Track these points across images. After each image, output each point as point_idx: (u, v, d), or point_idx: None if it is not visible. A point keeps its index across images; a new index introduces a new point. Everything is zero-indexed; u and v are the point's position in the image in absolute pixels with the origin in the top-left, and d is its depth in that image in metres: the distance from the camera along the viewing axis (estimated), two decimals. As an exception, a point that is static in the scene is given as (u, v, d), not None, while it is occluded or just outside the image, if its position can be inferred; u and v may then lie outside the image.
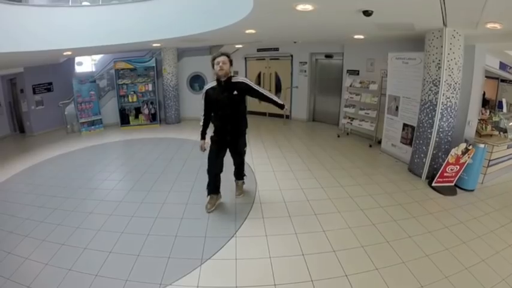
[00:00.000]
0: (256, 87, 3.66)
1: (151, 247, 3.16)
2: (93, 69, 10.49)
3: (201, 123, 3.77)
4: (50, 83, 9.09)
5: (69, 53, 7.56)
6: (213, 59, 3.47)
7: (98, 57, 10.41)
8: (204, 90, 3.62)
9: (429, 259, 2.92)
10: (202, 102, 3.64)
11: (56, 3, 6.28)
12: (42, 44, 5.56)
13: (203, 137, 3.84)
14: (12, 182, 5.19)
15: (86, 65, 10.51)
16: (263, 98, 3.73)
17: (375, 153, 6.41)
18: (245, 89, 3.58)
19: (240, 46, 9.40)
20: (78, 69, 10.26)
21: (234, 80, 3.53)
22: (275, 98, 3.82)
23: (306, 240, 3.24)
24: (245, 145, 3.94)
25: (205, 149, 3.82)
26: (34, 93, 8.68)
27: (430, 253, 3.01)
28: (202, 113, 3.71)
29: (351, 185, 4.70)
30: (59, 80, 9.22)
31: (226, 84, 3.47)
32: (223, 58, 3.42)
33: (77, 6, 6.43)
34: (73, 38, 6.01)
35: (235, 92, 3.48)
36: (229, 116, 3.58)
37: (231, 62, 3.51)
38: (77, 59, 10.12)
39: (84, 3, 6.78)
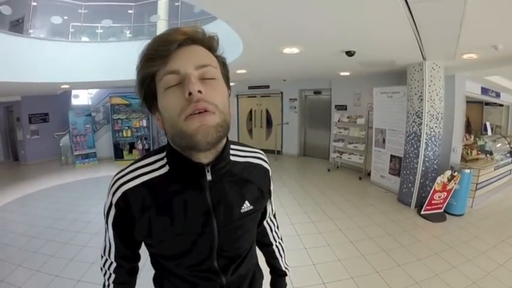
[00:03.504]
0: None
1: (145, 281, 3.08)
2: (89, 103, 10.68)
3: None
4: (46, 114, 9.26)
5: (66, 86, 7.76)
6: (151, 58, 0.75)
7: (94, 90, 10.64)
8: (111, 197, 0.87)
9: (419, 286, 2.90)
10: (109, 232, 0.92)
11: (56, 38, 6.53)
12: (39, 76, 5.67)
13: None
14: (6, 211, 5.17)
15: (82, 97, 10.71)
16: (264, 228, 1.23)
17: (364, 186, 6.46)
18: (265, 191, 1.03)
19: (232, 84, 9.72)
20: (75, 101, 10.46)
21: (237, 156, 0.96)
22: (283, 248, 1.30)
23: (296, 274, 3.19)
24: None
25: None
26: (30, 122, 8.84)
27: (420, 280, 2.99)
28: (104, 259, 0.98)
29: (341, 218, 4.69)
30: (55, 111, 9.40)
31: (217, 178, 0.87)
32: (201, 53, 0.77)
33: (76, 42, 6.70)
34: (71, 72, 6.15)
35: (246, 205, 0.92)
36: (227, 282, 0.95)
37: (225, 74, 0.84)
38: (74, 92, 10.34)
39: (83, 38, 7.07)
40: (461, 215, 4.62)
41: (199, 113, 0.71)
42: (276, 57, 4.34)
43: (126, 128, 9.49)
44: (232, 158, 0.92)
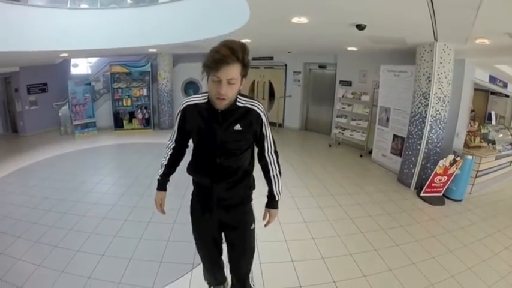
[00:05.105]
0: (269, 130, 1.88)
1: (144, 251, 3.19)
2: (89, 72, 10.49)
3: (165, 157, 2.03)
4: (45, 84, 9.08)
5: (65, 54, 7.58)
6: (209, 66, 1.52)
7: (93, 59, 10.43)
8: (181, 107, 1.82)
9: (416, 267, 3.00)
10: (176, 126, 1.89)
11: (54, 5, 6.28)
12: (38, 45, 5.52)
13: (162, 187, 2.09)
14: (5, 183, 5.17)
15: (81, 67, 10.50)
16: (265, 160, 1.96)
17: (365, 163, 6.52)
18: (256, 125, 1.78)
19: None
20: (74, 70, 10.26)
21: (240, 102, 1.74)
22: (277, 178, 2.03)
23: (296, 247, 3.30)
24: (252, 222, 2.09)
25: (164, 212, 2.12)
26: (28, 93, 8.66)
27: (417, 261, 3.09)
28: (169, 141, 1.99)
29: (341, 194, 4.78)
30: (54, 81, 9.22)
31: (225, 112, 1.71)
32: (232, 71, 1.53)
33: (75, 9, 6.45)
34: (70, 40, 5.99)
35: (237, 126, 1.73)
36: (221, 167, 1.79)
37: (244, 73, 1.63)
38: (73, 61, 10.12)
39: (83, 5, 6.81)
40: (460, 200, 4.70)
41: (220, 99, 1.57)
42: (283, 26, 4.20)
43: (126, 97, 9.36)
44: (237, 103, 1.72)
